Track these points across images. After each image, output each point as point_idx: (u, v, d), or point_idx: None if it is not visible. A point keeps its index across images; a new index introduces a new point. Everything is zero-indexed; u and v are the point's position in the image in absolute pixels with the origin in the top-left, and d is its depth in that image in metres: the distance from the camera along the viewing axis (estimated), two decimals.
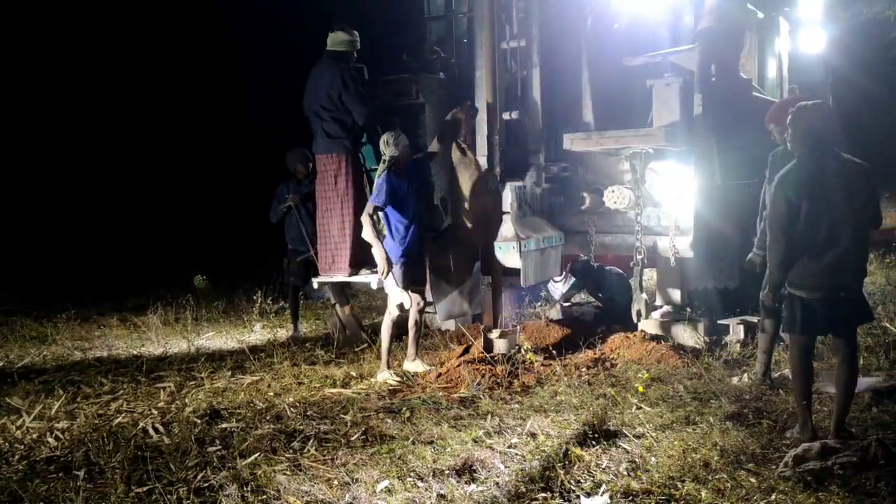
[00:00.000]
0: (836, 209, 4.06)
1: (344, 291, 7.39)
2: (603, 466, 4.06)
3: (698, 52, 6.45)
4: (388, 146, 5.84)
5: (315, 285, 7.12)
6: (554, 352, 6.35)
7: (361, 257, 6.42)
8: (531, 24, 6.62)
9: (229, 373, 6.20)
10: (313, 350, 6.86)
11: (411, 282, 5.90)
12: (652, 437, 4.41)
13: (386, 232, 5.93)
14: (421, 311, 6.00)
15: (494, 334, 6.26)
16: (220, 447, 4.44)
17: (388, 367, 5.95)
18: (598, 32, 6.85)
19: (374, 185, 5.87)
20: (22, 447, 4.56)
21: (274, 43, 15.89)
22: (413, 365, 6.05)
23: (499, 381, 5.62)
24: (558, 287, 8.61)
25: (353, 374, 6.11)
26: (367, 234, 5.78)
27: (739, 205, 6.48)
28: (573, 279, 8.51)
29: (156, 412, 5.16)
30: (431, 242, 6.68)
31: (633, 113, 6.58)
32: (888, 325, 6.70)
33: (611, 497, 3.69)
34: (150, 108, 16.03)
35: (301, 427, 4.79)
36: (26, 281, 10.89)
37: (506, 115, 6.58)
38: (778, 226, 4.12)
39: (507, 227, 6.17)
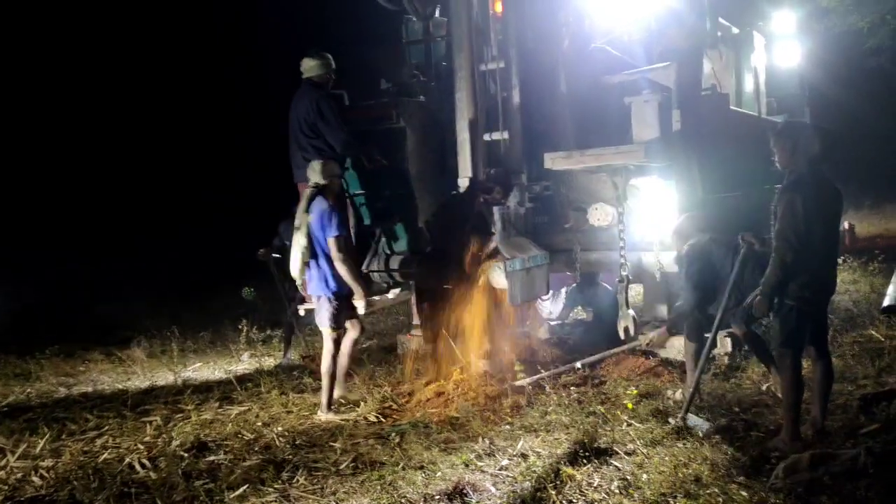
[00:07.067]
0: (831, 225, 4.37)
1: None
2: (595, 485, 4.04)
3: (675, 69, 6.53)
4: (314, 172, 5.69)
5: (302, 312, 7.09)
6: (543, 371, 6.33)
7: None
8: (509, 46, 6.67)
9: (217, 404, 6.13)
10: (301, 378, 6.81)
11: (347, 317, 5.80)
12: (643, 453, 4.40)
13: (313, 264, 5.64)
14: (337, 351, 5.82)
15: (484, 355, 6.24)
16: (207, 480, 4.39)
17: (331, 408, 5.74)
18: (576, 52, 6.91)
19: (318, 216, 5.56)
20: (6, 487, 4.48)
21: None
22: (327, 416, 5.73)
23: (488, 401, 5.59)
24: (546, 306, 8.63)
25: (342, 400, 6.06)
26: (346, 271, 5.54)
27: (722, 218, 6.52)
28: (564, 298, 8.53)
29: (142, 447, 5.08)
30: (417, 265, 6.68)
31: (613, 130, 6.63)
32: (874, 332, 6.74)
33: None
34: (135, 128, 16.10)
35: (290, 456, 4.74)
36: (9, 317, 10.75)
37: (487, 137, 6.62)
38: (792, 229, 4.22)
39: (492, 248, 6.17)
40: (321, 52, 6.47)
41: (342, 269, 5.55)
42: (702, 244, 5.40)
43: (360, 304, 5.70)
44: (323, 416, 5.66)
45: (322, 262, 5.61)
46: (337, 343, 5.81)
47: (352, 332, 5.99)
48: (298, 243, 5.60)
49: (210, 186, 16.02)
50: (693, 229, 5.57)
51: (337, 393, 5.97)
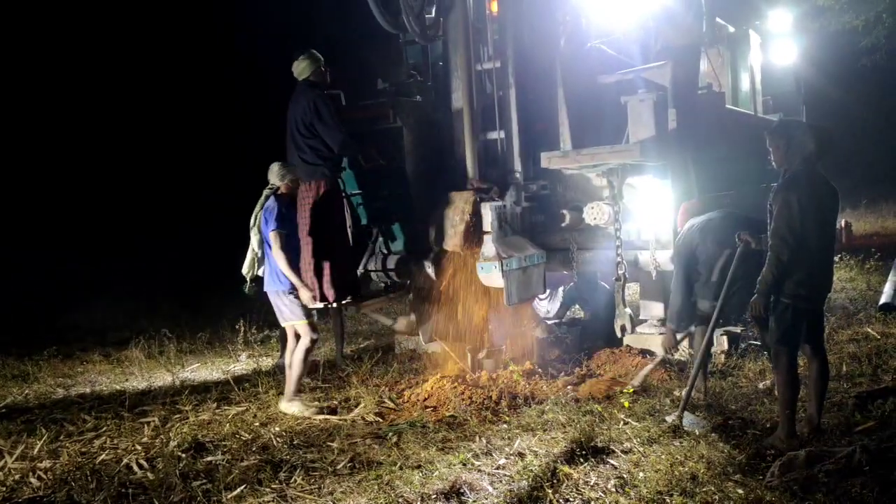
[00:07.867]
0: (827, 223, 4.34)
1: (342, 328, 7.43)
2: (591, 484, 4.05)
3: (671, 67, 6.54)
4: (272, 174, 5.82)
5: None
6: (540, 369, 6.34)
7: (346, 282, 6.41)
8: (506, 46, 6.68)
9: (214, 404, 6.13)
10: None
11: (309, 312, 5.83)
12: (639, 451, 4.42)
13: (266, 261, 5.79)
14: (313, 344, 5.87)
15: (480, 354, 6.26)
16: (205, 481, 4.39)
17: (299, 396, 5.82)
18: (572, 51, 6.92)
19: (264, 213, 5.72)
20: (4, 489, 4.48)
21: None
22: (291, 406, 5.81)
23: (485, 400, 5.61)
24: (543, 305, 8.64)
25: (339, 400, 6.07)
26: (283, 264, 5.64)
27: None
28: (561, 297, 8.55)
29: (140, 448, 5.09)
30: (414, 265, 6.69)
31: (609, 130, 6.64)
32: (870, 330, 6.76)
33: None
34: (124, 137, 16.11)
35: (287, 457, 4.75)
36: (7, 317, 10.75)
37: (483, 136, 6.63)
38: (788, 228, 4.23)
39: (488, 247, 6.19)
40: (307, 50, 6.44)
41: (281, 264, 5.65)
42: (684, 232, 5.56)
43: (305, 297, 5.74)
44: (291, 408, 5.70)
45: (271, 258, 5.72)
46: (313, 328, 5.84)
47: (304, 339, 5.91)
48: (250, 241, 5.81)
49: (210, 186, 15.99)
50: (689, 215, 5.82)
51: (297, 408, 5.85)
